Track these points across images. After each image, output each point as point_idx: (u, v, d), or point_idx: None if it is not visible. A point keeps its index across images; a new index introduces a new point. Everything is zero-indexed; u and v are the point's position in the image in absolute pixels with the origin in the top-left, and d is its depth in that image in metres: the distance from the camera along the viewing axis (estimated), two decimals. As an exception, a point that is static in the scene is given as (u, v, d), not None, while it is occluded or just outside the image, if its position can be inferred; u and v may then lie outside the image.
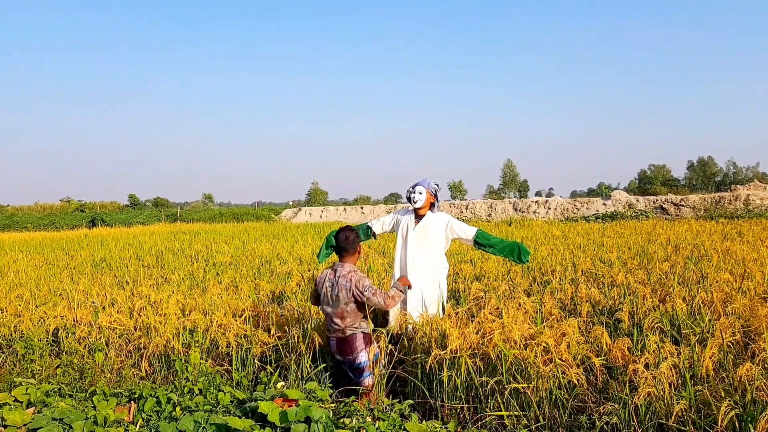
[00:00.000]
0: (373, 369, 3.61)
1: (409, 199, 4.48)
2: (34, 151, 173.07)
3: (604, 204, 23.25)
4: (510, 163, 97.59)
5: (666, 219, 19.21)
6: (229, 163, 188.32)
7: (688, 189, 74.52)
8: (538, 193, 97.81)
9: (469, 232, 4.40)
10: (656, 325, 3.97)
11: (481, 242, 4.36)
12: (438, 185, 4.51)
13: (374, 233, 4.72)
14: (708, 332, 3.73)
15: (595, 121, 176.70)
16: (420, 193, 4.40)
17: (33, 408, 3.07)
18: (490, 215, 25.83)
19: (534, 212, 24.58)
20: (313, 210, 35.52)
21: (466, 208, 27.37)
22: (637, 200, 22.90)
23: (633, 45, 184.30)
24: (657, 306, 4.43)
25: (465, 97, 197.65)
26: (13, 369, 4.33)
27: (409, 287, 4.02)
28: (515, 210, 25.50)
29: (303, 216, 34.57)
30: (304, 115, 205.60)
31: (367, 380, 3.61)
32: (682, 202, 21.43)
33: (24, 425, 2.71)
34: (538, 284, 5.90)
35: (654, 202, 22.27)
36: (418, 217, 4.47)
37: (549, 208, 24.41)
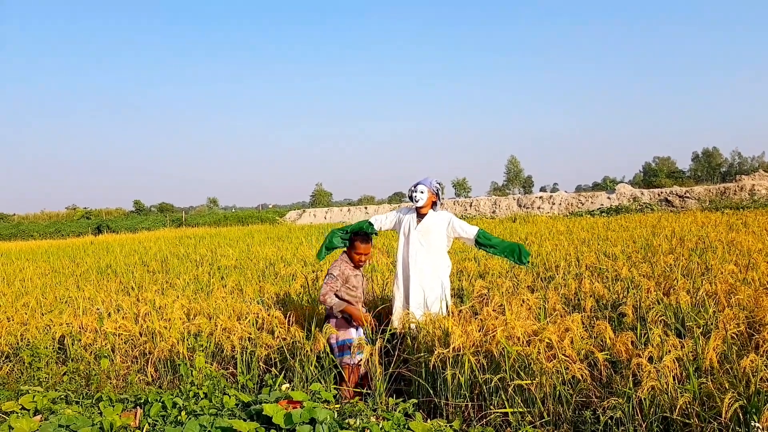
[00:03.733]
0: (347, 351, 3.94)
1: (411, 198, 4.48)
2: (40, 159, 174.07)
3: (609, 198, 23.17)
4: (514, 159, 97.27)
5: (671, 211, 19.13)
6: (234, 166, 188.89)
7: (693, 180, 73.99)
8: (542, 189, 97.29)
9: (470, 231, 4.40)
10: (660, 319, 3.95)
11: (482, 242, 4.35)
12: (440, 184, 4.50)
13: (375, 230, 4.70)
14: (712, 324, 3.72)
15: (599, 114, 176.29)
16: (422, 192, 4.40)
17: (40, 415, 3.10)
18: (494, 212, 25.78)
19: (538, 208, 24.52)
20: (318, 211, 35.53)
21: (471, 206, 27.33)
22: (642, 193, 22.81)
23: (636, 38, 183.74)
24: (661, 299, 4.42)
25: (467, 95, 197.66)
26: (20, 377, 4.36)
27: (361, 325, 4.09)
28: (519, 206, 25.44)
29: (307, 217, 34.60)
30: (308, 116, 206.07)
31: (339, 359, 3.96)
32: (687, 194, 21.33)
33: (31, 433, 2.73)
34: (542, 280, 5.89)
35: (659, 195, 22.18)
36: (420, 215, 4.47)
37: (553, 204, 24.35)
